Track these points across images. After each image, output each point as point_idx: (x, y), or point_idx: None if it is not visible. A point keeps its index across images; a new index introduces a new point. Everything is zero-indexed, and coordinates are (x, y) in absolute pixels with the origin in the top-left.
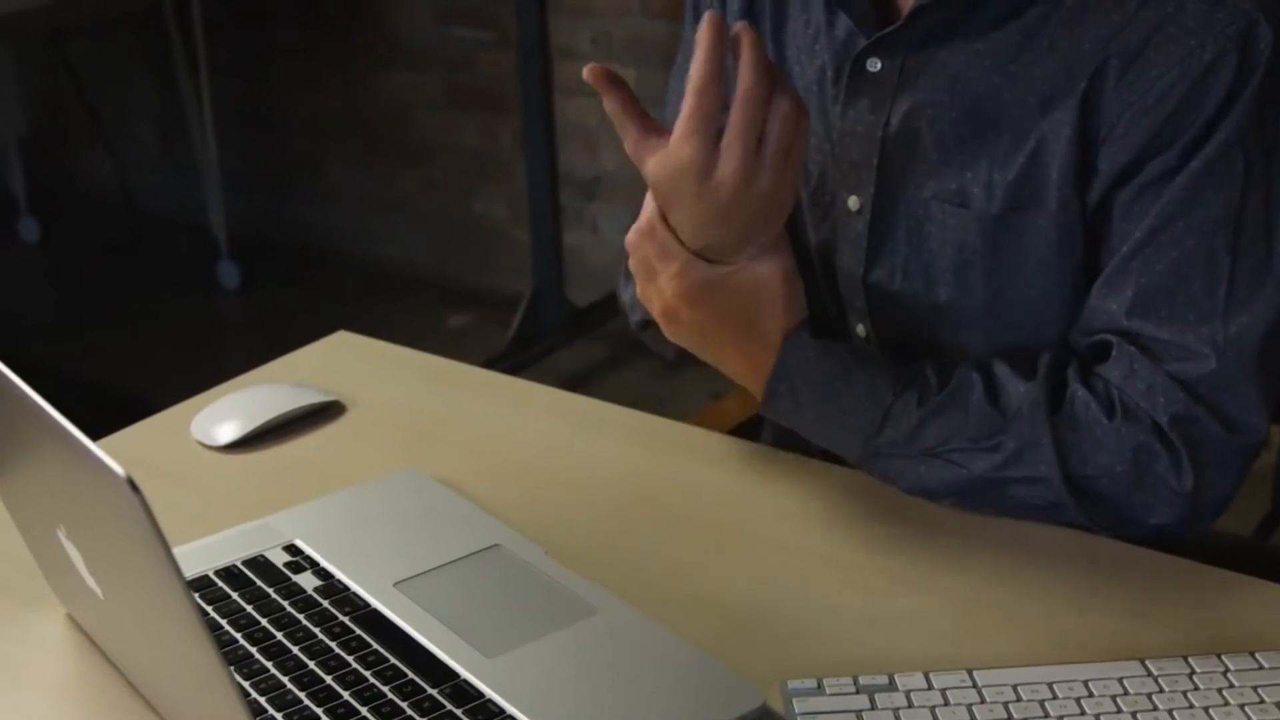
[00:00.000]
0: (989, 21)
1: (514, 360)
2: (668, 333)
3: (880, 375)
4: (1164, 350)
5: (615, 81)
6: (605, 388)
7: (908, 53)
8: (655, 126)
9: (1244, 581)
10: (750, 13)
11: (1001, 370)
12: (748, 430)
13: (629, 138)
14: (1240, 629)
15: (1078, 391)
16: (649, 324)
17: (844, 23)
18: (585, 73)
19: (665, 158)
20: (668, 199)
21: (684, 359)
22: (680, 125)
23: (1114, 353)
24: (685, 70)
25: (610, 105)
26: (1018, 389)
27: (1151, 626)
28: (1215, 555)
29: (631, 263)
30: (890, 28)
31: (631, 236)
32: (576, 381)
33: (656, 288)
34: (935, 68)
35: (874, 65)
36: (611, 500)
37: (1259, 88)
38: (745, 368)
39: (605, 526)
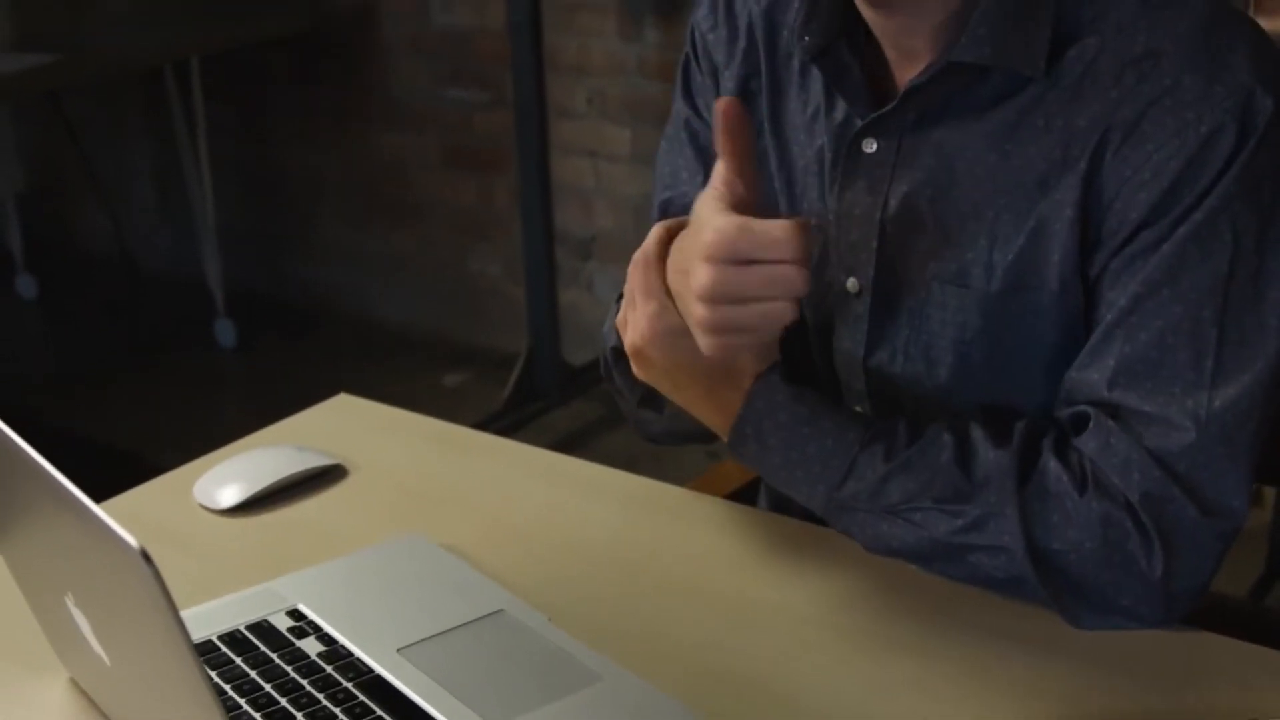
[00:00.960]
0: (984, 101)
1: (510, 419)
2: (639, 371)
3: (850, 425)
4: (1144, 424)
5: (741, 125)
6: (602, 446)
7: (903, 133)
8: (745, 177)
9: (1239, 647)
10: (745, 91)
11: (976, 434)
12: (746, 494)
13: (716, 171)
14: (1238, 697)
15: (1050, 463)
16: (620, 357)
17: (842, 104)
18: (719, 104)
19: (717, 214)
20: (687, 242)
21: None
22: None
23: (1091, 424)
24: (676, 142)
25: (723, 143)
26: (988, 455)
27: (1149, 693)
28: (1208, 619)
29: (626, 285)
30: (885, 109)
31: (636, 257)
32: (573, 440)
33: (634, 319)
34: (932, 147)
35: (870, 146)
36: (612, 566)
37: (1252, 156)
38: (714, 410)
39: (606, 592)
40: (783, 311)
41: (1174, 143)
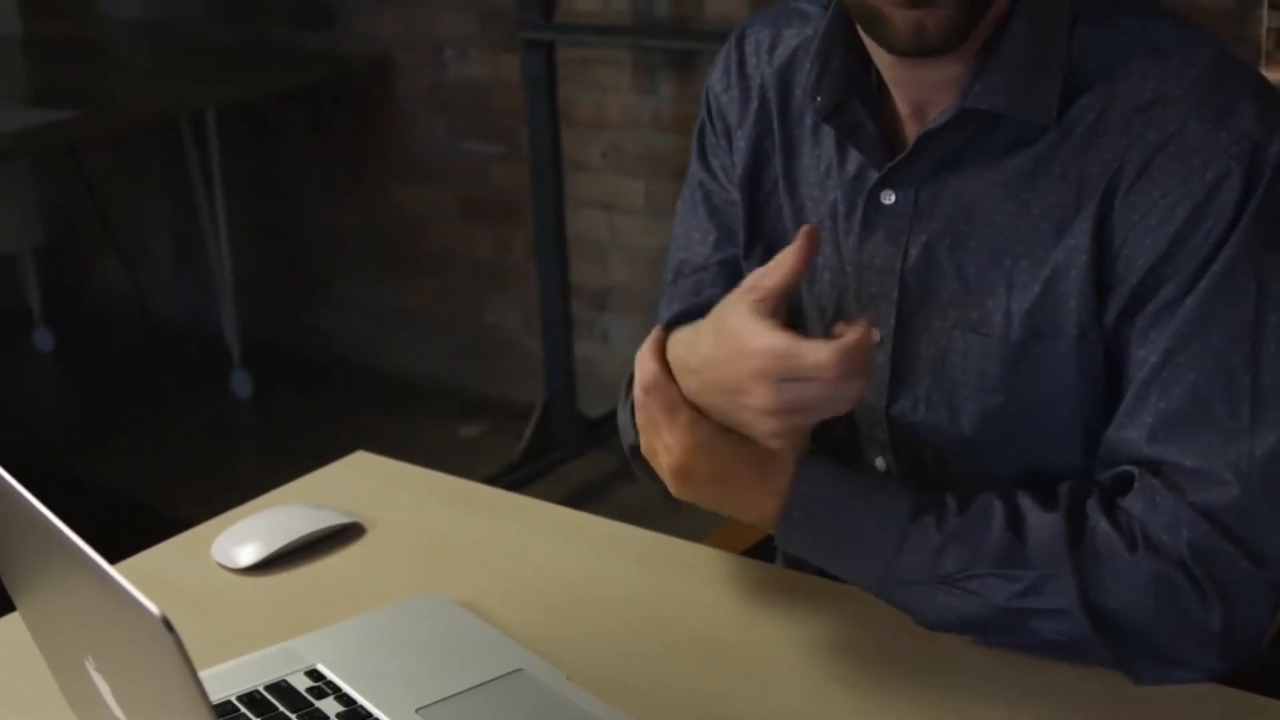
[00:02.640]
0: (999, 149)
1: (526, 470)
2: (679, 490)
3: (899, 498)
4: (1187, 480)
5: (813, 251)
6: (618, 498)
7: (920, 184)
8: (787, 292)
9: (1252, 700)
10: (759, 150)
11: (1024, 500)
12: (763, 549)
13: (757, 275)
14: None
15: (1099, 524)
16: (638, 455)
17: (854, 158)
18: (806, 228)
19: (758, 329)
20: (723, 352)
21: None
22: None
23: (1136, 485)
24: (690, 204)
25: (792, 263)
26: (1039, 519)
27: None
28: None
29: (638, 418)
30: (899, 158)
31: (638, 394)
32: (589, 492)
33: (664, 443)
34: (949, 197)
35: (888, 198)
36: (630, 623)
37: (1263, 202)
38: (761, 501)
39: (625, 650)
40: (845, 406)
41: (1181, 189)
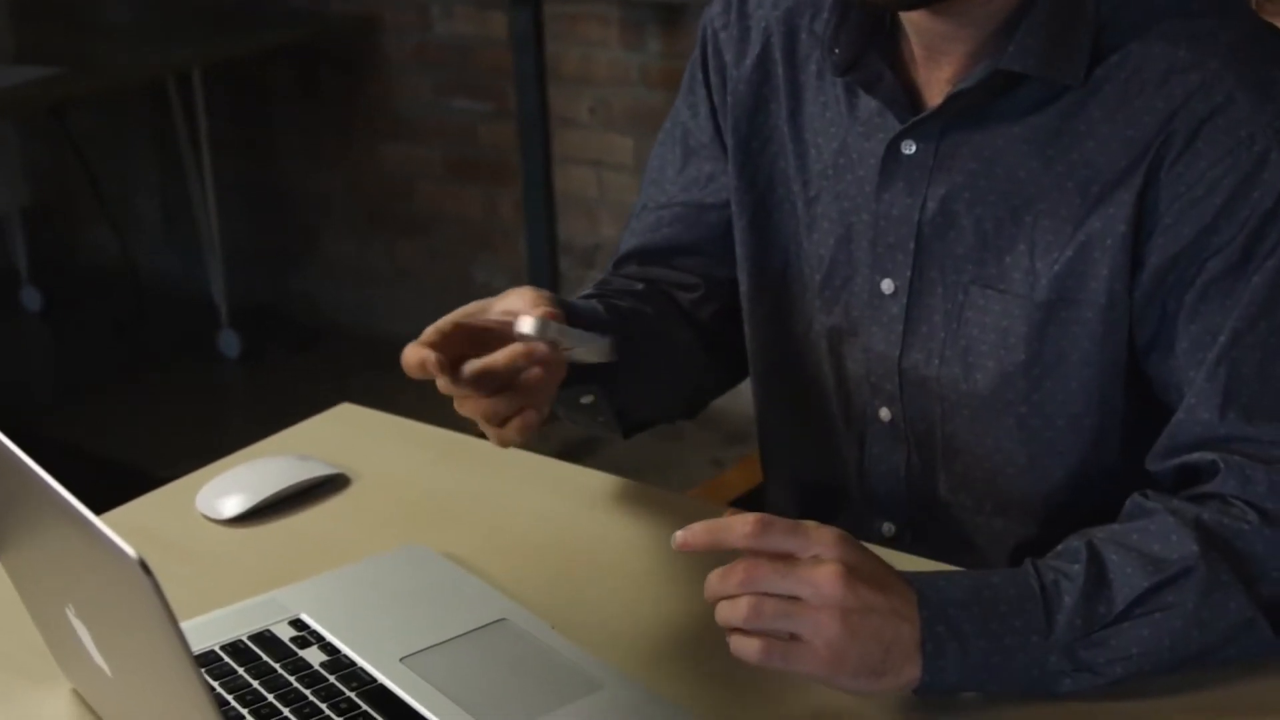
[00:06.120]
0: (1024, 106)
1: None
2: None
3: (1014, 572)
4: (1270, 450)
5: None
6: (607, 453)
7: (942, 135)
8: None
9: None
10: (758, 94)
11: (1105, 536)
12: (750, 500)
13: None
14: None
15: (1203, 515)
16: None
17: (866, 104)
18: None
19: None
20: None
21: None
22: None
23: (1221, 467)
24: (669, 139)
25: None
26: (1152, 527)
27: None
28: None
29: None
30: (924, 114)
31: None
32: (578, 447)
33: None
34: (971, 150)
35: (909, 148)
36: (615, 573)
37: None
38: (899, 643)
39: (609, 600)
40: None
41: (1228, 160)
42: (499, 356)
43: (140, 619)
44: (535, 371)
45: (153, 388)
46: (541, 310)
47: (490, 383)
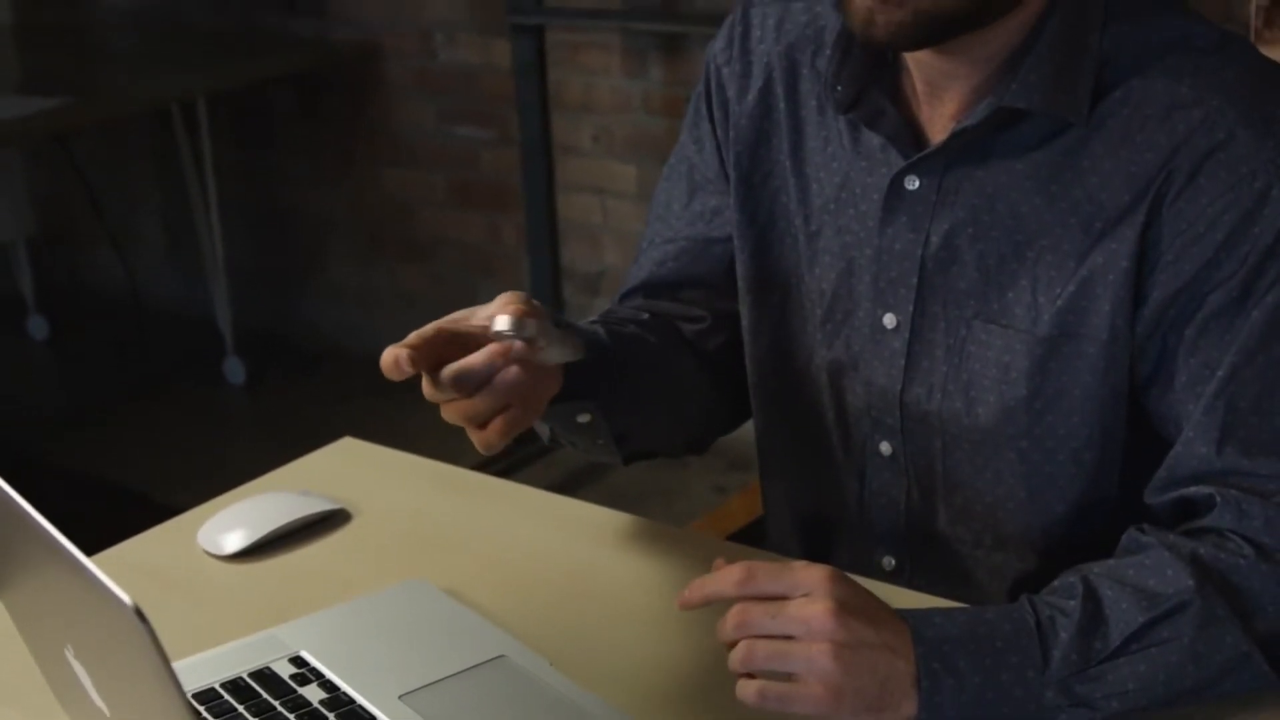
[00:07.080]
0: (1027, 142)
1: (516, 455)
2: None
3: (1009, 608)
4: (1266, 485)
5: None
6: (608, 481)
7: (945, 171)
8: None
9: None
10: (759, 129)
11: (1101, 571)
12: (752, 532)
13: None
14: None
15: (1200, 550)
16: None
17: (869, 139)
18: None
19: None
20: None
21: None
22: None
23: (1218, 501)
24: (674, 174)
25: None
26: (1148, 561)
27: None
28: None
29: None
30: (928, 150)
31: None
32: (580, 475)
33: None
34: (974, 186)
35: (912, 184)
36: (614, 609)
37: None
38: (895, 675)
39: (608, 636)
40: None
41: (1229, 196)
42: (476, 356)
43: (137, 664)
44: (513, 370)
45: (159, 414)
46: (514, 308)
47: (469, 382)
